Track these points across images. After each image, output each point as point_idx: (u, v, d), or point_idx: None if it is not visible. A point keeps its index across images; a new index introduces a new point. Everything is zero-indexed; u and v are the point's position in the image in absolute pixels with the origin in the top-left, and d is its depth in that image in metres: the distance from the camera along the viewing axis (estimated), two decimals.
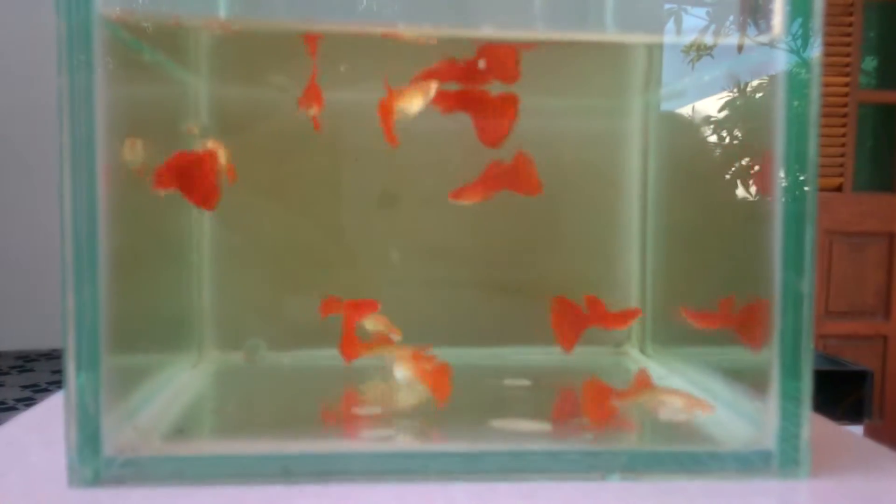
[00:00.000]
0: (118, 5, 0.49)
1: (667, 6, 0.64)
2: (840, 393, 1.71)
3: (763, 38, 0.53)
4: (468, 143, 0.69)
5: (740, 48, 0.57)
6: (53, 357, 2.83)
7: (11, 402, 2.34)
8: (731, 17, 0.61)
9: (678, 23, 0.64)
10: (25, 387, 2.50)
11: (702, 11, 0.64)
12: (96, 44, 0.46)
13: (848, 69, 2.42)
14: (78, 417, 0.47)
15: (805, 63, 0.48)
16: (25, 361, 2.84)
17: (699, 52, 0.63)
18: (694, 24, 0.63)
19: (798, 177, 0.48)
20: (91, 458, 0.47)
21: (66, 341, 0.47)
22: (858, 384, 1.72)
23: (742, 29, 0.58)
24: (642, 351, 0.73)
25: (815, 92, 0.48)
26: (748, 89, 0.57)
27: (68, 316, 0.46)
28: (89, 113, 0.46)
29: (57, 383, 2.54)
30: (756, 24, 0.55)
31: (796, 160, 0.48)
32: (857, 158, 2.49)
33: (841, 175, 2.47)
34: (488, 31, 0.59)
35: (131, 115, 0.52)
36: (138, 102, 0.56)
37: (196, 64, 0.66)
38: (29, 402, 2.34)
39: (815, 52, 0.48)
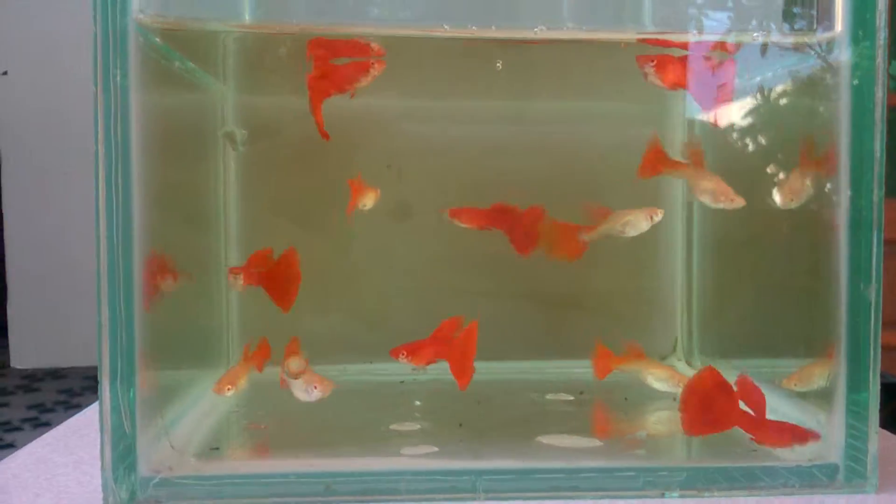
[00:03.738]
0: (151, 12, 0.48)
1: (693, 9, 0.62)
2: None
3: (819, 38, 0.51)
4: (510, 159, 0.68)
5: (764, 49, 0.55)
6: (59, 377, 2.81)
7: (17, 423, 2.33)
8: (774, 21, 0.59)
9: (698, 24, 0.62)
10: (31, 406, 2.49)
11: (742, 10, 0.62)
12: (131, 50, 0.44)
13: None
14: (112, 436, 0.45)
15: (864, 64, 0.46)
16: (32, 381, 2.82)
17: (721, 55, 0.61)
18: (732, 25, 0.61)
19: (863, 180, 0.46)
20: (126, 477, 0.45)
21: (100, 357, 0.45)
22: (894, 395, 1.69)
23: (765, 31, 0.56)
24: (689, 363, 0.71)
25: (878, 95, 0.46)
26: (799, 91, 0.55)
27: (103, 331, 0.45)
28: (125, 122, 0.44)
29: (63, 403, 2.52)
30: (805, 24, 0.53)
31: (860, 164, 0.46)
32: (887, 164, 2.46)
33: None
34: (525, 33, 0.58)
35: (165, 125, 0.51)
36: (171, 110, 0.54)
37: (224, 71, 0.65)
38: (34, 421, 2.32)
39: (878, 53, 0.46)
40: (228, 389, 0.54)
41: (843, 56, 0.47)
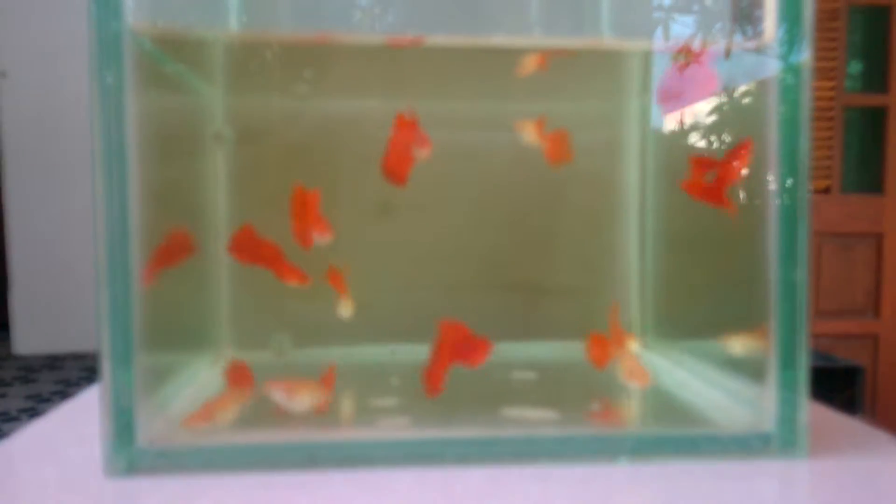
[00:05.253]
0: (143, 18, 0.52)
1: (657, 14, 0.67)
2: (832, 389, 1.74)
3: (750, 44, 0.56)
4: (470, 151, 0.72)
5: (727, 53, 0.60)
6: (55, 367, 2.83)
7: (14, 413, 2.35)
8: (721, 24, 0.64)
9: (666, 30, 0.67)
10: (28, 397, 2.51)
11: (693, 19, 0.67)
12: (126, 55, 0.48)
13: (833, 73, 2.47)
14: (113, 410, 0.49)
15: (792, 68, 0.51)
16: (29, 372, 2.84)
17: (688, 58, 0.66)
18: (685, 32, 0.66)
19: (791, 177, 0.51)
20: (125, 448, 0.49)
21: (100, 338, 0.49)
22: (851, 380, 1.76)
23: (730, 35, 0.61)
24: (643, 344, 0.76)
25: (804, 96, 0.51)
26: (739, 94, 0.60)
27: (103, 314, 0.49)
28: (120, 120, 0.48)
29: (59, 393, 2.55)
30: (743, 31, 0.58)
31: (788, 162, 0.51)
32: (845, 161, 2.54)
33: (829, 177, 2.52)
34: (492, 40, 0.62)
35: (158, 123, 0.55)
36: (164, 110, 0.58)
37: (213, 74, 0.68)
38: (31, 412, 2.35)
39: (804, 57, 0.51)
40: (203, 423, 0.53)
41: (770, 59, 0.52)
